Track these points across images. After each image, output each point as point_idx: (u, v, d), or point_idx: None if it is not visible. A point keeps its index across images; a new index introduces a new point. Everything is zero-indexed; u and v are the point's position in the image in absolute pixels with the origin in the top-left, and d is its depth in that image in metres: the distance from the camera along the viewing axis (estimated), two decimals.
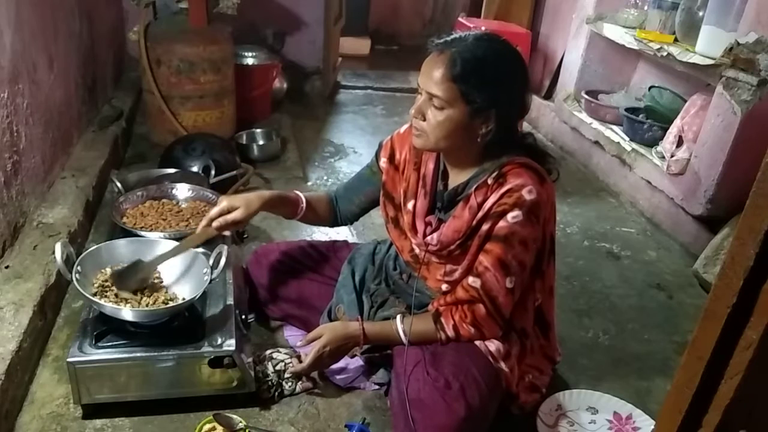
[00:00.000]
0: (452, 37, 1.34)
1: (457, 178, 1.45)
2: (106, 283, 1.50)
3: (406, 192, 1.53)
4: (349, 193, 1.71)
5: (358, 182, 1.70)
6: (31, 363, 1.58)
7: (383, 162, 1.60)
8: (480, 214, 1.37)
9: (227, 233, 1.79)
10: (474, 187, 1.38)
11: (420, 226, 1.49)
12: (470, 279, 1.41)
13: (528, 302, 1.49)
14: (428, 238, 1.46)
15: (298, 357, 1.59)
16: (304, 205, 1.64)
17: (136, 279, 1.50)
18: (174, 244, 1.58)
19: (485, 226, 1.37)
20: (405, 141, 1.54)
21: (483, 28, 3.63)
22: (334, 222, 1.76)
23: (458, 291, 1.44)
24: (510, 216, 1.34)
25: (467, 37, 1.32)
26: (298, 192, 1.67)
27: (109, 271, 1.53)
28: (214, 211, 1.50)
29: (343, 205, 1.72)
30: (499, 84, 1.31)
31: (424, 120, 1.34)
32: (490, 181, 1.36)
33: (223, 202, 1.51)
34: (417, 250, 1.52)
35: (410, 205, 1.51)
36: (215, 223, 1.49)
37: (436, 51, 1.33)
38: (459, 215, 1.41)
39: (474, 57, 1.28)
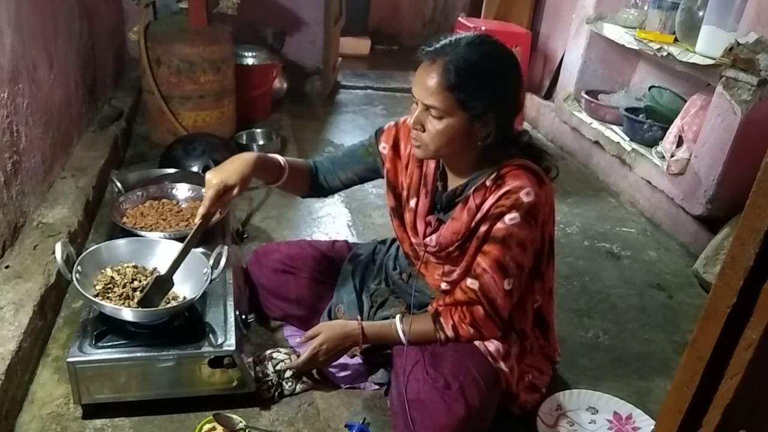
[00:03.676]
0: (442, 43, 1.31)
1: (455, 179, 1.45)
2: (109, 285, 1.50)
3: (409, 188, 1.52)
4: (336, 168, 1.64)
5: (349, 159, 1.64)
6: (31, 363, 1.58)
7: (384, 147, 1.56)
8: (478, 215, 1.37)
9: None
10: (473, 188, 1.38)
11: (420, 227, 1.49)
12: (468, 281, 1.41)
13: (527, 304, 1.49)
14: (427, 239, 1.46)
15: (298, 356, 1.59)
16: (287, 170, 1.54)
17: (160, 294, 1.47)
18: (175, 244, 1.58)
19: (483, 228, 1.37)
20: (410, 134, 1.50)
21: (482, 28, 3.64)
22: (310, 193, 1.68)
23: (457, 292, 1.44)
24: (507, 218, 1.33)
25: (459, 43, 1.29)
26: (278, 156, 1.56)
27: (109, 271, 1.53)
28: (210, 195, 1.37)
29: (327, 178, 1.64)
30: (495, 87, 1.30)
31: (424, 130, 1.33)
32: (488, 183, 1.36)
33: (214, 183, 1.37)
34: (416, 248, 1.52)
35: (413, 203, 1.51)
36: (215, 209, 1.40)
37: (427, 60, 1.30)
38: (458, 217, 1.41)
39: (467, 64, 1.26)
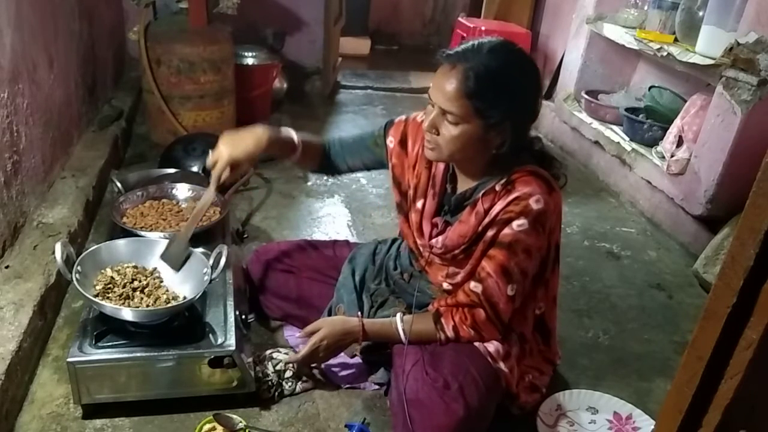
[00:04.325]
0: (464, 48, 1.29)
1: (465, 182, 1.44)
2: (109, 285, 1.50)
3: (416, 189, 1.51)
4: (344, 151, 1.65)
5: (357, 146, 1.64)
6: (31, 363, 1.58)
7: (390, 141, 1.56)
8: (486, 220, 1.36)
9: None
10: (482, 192, 1.38)
11: (426, 228, 1.49)
12: (472, 284, 1.40)
13: (528, 309, 1.49)
14: (433, 240, 1.46)
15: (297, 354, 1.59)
16: (300, 148, 1.58)
17: (178, 253, 1.55)
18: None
19: (490, 232, 1.36)
20: (420, 134, 1.48)
21: (482, 28, 3.64)
22: (321, 170, 1.71)
23: (459, 295, 1.44)
24: (516, 224, 1.33)
25: (480, 49, 1.27)
26: (292, 134, 1.59)
27: (109, 271, 1.53)
28: (219, 167, 1.42)
29: (335, 158, 1.66)
30: (514, 98, 1.28)
31: (438, 134, 1.32)
32: (498, 188, 1.35)
33: (225, 156, 1.42)
34: (421, 248, 1.52)
35: (419, 203, 1.51)
36: (225, 180, 1.45)
37: (447, 64, 1.29)
38: (465, 220, 1.40)
39: (488, 73, 1.25)
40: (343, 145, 1.66)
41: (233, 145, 1.44)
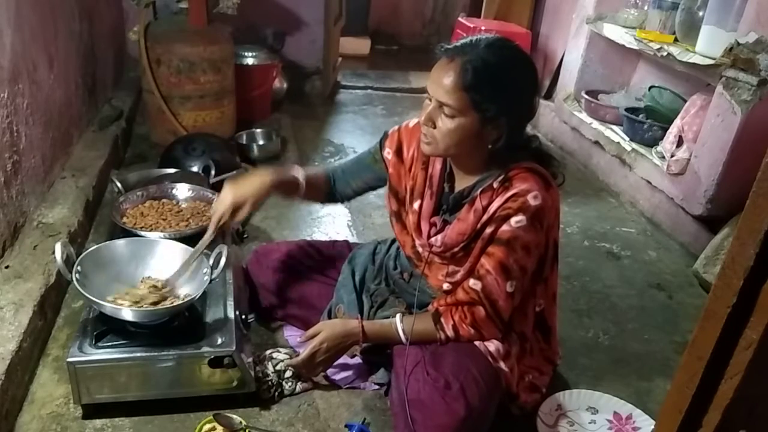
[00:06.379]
0: (462, 42, 1.31)
1: (463, 180, 1.44)
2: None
3: (412, 190, 1.51)
4: (346, 176, 1.68)
5: (357, 167, 1.67)
6: (31, 363, 1.58)
7: (388, 153, 1.57)
8: (485, 217, 1.36)
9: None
10: (480, 190, 1.38)
11: (425, 228, 1.49)
12: (471, 281, 1.40)
13: (528, 307, 1.49)
14: (432, 239, 1.46)
15: (299, 356, 1.59)
16: (304, 186, 1.60)
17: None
18: (175, 244, 1.59)
19: (489, 230, 1.36)
20: (413, 137, 1.51)
21: (482, 28, 3.64)
22: (328, 200, 1.75)
23: (459, 292, 1.44)
24: (514, 220, 1.33)
25: (478, 44, 1.29)
26: (296, 173, 1.60)
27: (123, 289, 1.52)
28: (220, 212, 1.48)
29: (340, 186, 1.69)
30: (511, 93, 1.29)
31: (434, 127, 1.33)
32: (495, 185, 1.36)
33: (228, 202, 1.47)
34: (420, 249, 1.52)
35: (416, 204, 1.50)
36: (226, 225, 1.50)
37: (446, 58, 1.30)
38: (464, 218, 1.40)
39: (486, 66, 1.26)
40: (344, 170, 1.69)
41: (236, 190, 1.49)
